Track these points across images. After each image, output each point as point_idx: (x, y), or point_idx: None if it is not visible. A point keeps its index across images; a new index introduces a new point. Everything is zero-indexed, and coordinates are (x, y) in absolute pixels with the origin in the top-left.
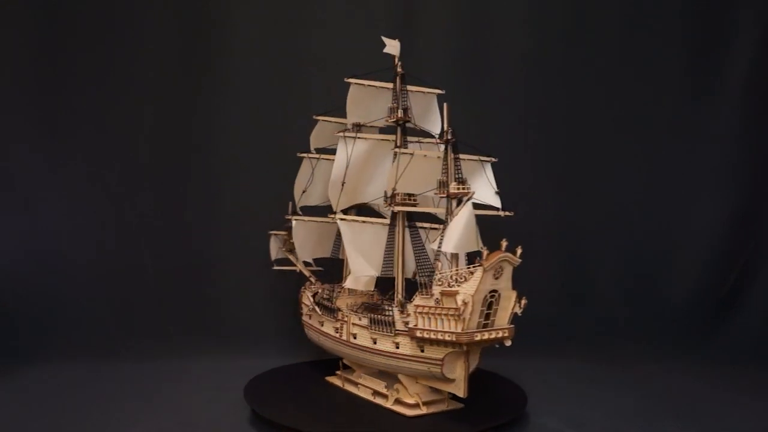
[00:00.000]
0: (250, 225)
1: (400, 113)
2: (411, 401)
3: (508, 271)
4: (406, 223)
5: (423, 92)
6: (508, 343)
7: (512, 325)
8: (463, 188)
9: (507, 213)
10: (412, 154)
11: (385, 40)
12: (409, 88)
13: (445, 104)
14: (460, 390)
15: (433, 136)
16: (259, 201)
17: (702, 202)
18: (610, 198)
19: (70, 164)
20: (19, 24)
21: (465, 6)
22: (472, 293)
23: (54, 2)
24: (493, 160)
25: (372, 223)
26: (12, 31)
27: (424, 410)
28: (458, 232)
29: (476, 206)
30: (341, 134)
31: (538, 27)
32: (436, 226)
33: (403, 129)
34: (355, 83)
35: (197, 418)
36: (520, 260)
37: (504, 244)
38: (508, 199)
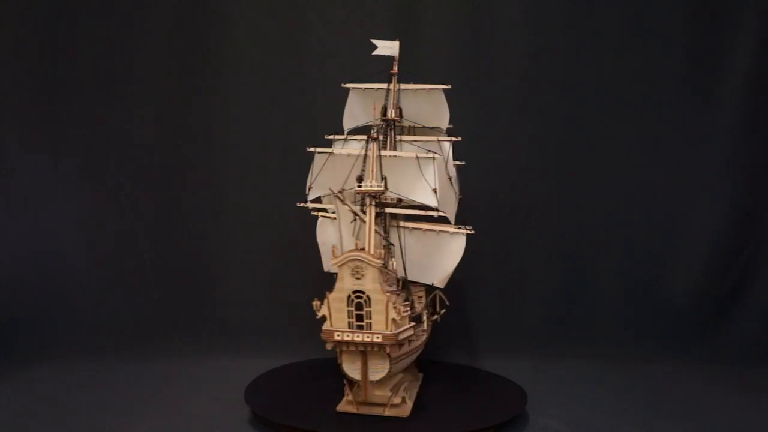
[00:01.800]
0: (251, 225)
1: (391, 113)
2: (349, 397)
3: (371, 273)
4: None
5: (426, 89)
6: (387, 349)
7: (391, 332)
8: (367, 185)
9: (442, 213)
10: (330, 153)
11: (379, 42)
12: (412, 86)
13: (375, 102)
14: (362, 392)
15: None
16: (260, 201)
17: (702, 202)
18: (610, 198)
19: (70, 164)
20: (19, 24)
21: (466, 5)
22: (330, 291)
23: (54, 2)
24: (436, 155)
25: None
26: (12, 31)
27: (353, 409)
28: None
29: (410, 206)
30: (332, 137)
31: (539, 26)
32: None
33: (393, 129)
34: (354, 87)
35: (197, 419)
36: (378, 261)
37: (357, 242)
38: (509, 200)
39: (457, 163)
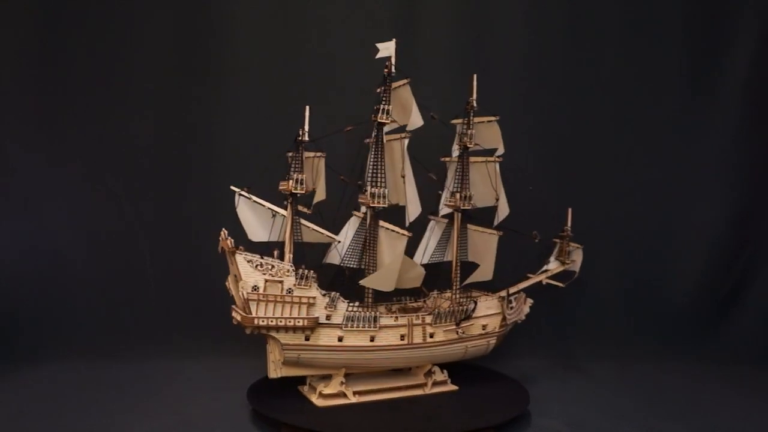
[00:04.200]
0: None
1: (380, 115)
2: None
3: (234, 260)
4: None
5: (399, 86)
6: (247, 331)
7: (248, 315)
8: (285, 185)
9: (307, 210)
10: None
11: (379, 45)
12: (394, 85)
13: (307, 108)
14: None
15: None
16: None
17: (702, 202)
18: (610, 198)
19: (70, 164)
20: (19, 24)
21: (466, 5)
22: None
23: (54, 2)
24: (322, 155)
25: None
26: (12, 31)
27: (303, 390)
28: None
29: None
30: (368, 141)
31: (539, 26)
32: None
33: (381, 130)
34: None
35: (197, 419)
36: (228, 248)
37: (223, 232)
38: (509, 200)
39: (497, 159)
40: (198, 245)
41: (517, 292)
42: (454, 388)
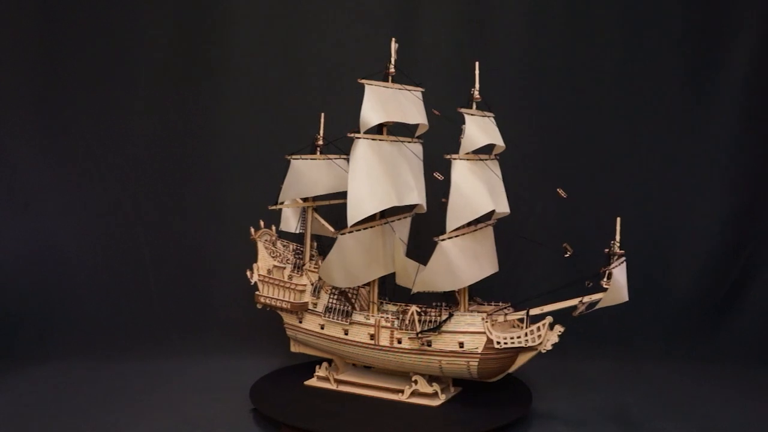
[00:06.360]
0: (252, 224)
1: None
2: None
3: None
4: None
5: (408, 90)
6: (258, 306)
7: (257, 292)
8: None
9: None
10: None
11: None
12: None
13: (322, 114)
14: None
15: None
16: (260, 201)
17: (702, 202)
18: (610, 198)
19: (70, 164)
20: (19, 24)
21: (466, 5)
22: None
23: (54, 2)
24: (287, 157)
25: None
26: (12, 30)
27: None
28: None
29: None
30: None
31: (539, 27)
32: None
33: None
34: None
35: (198, 419)
36: (253, 237)
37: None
38: (508, 200)
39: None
40: (198, 245)
41: (543, 315)
42: (434, 404)
